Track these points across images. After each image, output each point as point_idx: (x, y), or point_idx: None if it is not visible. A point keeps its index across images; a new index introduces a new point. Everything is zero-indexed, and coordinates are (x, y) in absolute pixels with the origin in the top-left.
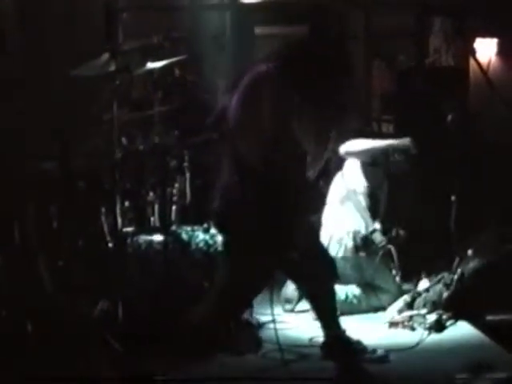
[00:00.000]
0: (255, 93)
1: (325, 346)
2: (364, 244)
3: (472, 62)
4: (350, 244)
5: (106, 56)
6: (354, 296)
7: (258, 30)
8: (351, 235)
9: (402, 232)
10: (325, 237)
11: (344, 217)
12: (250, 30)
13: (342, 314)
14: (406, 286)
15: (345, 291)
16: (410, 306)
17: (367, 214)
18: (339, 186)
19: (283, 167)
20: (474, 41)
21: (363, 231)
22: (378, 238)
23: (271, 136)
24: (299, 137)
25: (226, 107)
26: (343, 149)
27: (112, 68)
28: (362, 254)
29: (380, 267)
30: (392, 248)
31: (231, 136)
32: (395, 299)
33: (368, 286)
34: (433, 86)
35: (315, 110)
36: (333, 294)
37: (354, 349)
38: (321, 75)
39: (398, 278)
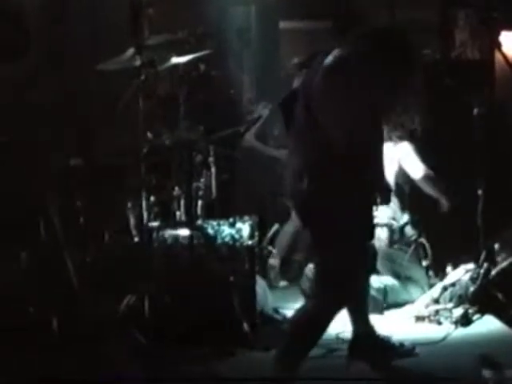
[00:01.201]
0: (345, 76)
1: (353, 343)
2: (398, 237)
3: (498, 55)
4: (385, 236)
5: (131, 51)
6: (392, 286)
7: (282, 25)
8: (385, 228)
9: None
10: None
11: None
12: (274, 25)
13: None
14: (432, 280)
15: (380, 282)
16: (436, 300)
17: (397, 207)
18: None
19: (368, 151)
20: (499, 34)
21: (395, 224)
22: (410, 230)
23: (360, 120)
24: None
25: (297, 90)
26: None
27: (137, 63)
28: (395, 246)
29: (412, 260)
30: (424, 241)
31: (313, 118)
32: (425, 292)
33: (399, 279)
34: (459, 80)
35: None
36: (368, 288)
37: (383, 346)
38: (399, 67)
39: (430, 272)
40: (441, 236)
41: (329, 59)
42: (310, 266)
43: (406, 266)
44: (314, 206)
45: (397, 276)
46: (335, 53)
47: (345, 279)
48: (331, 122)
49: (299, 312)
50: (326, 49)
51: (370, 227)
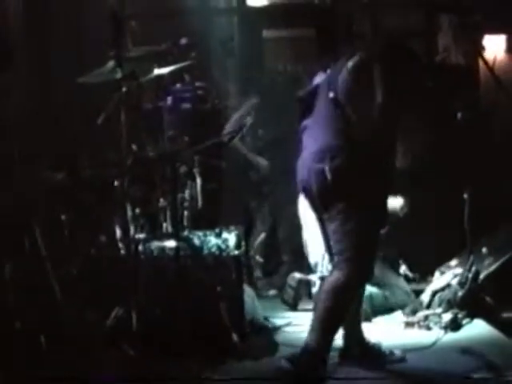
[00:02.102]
0: (368, 73)
1: (344, 350)
2: None
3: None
4: None
5: (111, 63)
6: (377, 293)
7: (265, 34)
8: None
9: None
10: None
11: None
12: (258, 34)
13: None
14: (420, 286)
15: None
16: (425, 305)
17: None
18: None
19: (389, 141)
20: (482, 38)
21: None
22: None
23: (383, 111)
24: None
25: (319, 86)
26: None
27: (118, 75)
28: None
29: (385, 267)
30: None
31: (341, 109)
32: (410, 296)
33: (379, 286)
34: (442, 84)
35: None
36: (362, 296)
37: (374, 353)
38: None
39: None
40: (427, 241)
41: (354, 61)
42: (293, 275)
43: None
44: (334, 181)
45: (375, 284)
46: (359, 56)
47: (367, 253)
48: (357, 111)
49: (328, 283)
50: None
51: (384, 213)
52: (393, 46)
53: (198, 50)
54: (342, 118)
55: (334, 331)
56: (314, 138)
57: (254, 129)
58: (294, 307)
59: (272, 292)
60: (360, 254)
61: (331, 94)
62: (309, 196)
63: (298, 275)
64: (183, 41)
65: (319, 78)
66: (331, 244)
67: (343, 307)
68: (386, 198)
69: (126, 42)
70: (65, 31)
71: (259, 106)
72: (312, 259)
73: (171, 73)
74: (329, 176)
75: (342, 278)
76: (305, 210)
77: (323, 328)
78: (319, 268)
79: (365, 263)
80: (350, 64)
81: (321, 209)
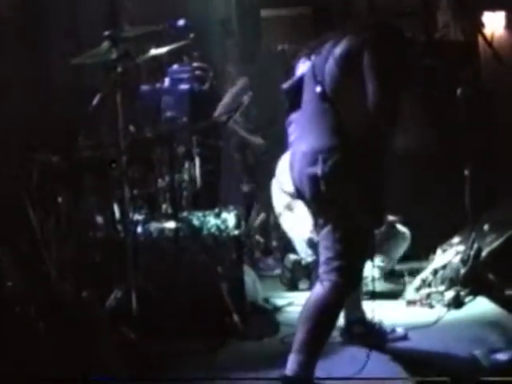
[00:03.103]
0: (359, 63)
1: (346, 328)
2: None
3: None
4: None
5: (106, 44)
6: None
7: (263, 13)
8: None
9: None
10: None
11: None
12: (256, 13)
13: None
14: (422, 264)
15: None
16: (427, 283)
17: None
18: None
19: (384, 136)
20: (480, 14)
21: None
22: None
23: (377, 104)
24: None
25: (304, 77)
26: None
27: (113, 55)
28: None
29: None
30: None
31: (330, 104)
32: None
33: None
34: (442, 61)
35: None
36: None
37: (375, 331)
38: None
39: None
40: (428, 219)
41: (341, 48)
42: (288, 256)
43: None
44: (327, 188)
45: None
46: (346, 42)
47: (356, 263)
48: (349, 106)
49: (311, 300)
50: (328, 36)
51: (382, 212)
52: (383, 28)
53: (196, 31)
54: (332, 114)
55: (321, 349)
56: (302, 135)
57: (249, 109)
58: (292, 288)
59: (276, 272)
60: (349, 264)
61: (318, 88)
62: (302, 198)
63: (293, 257)
64: (181, 22)
65: (303, 67)
66: (319, 250)
67: (329, 326)
68: (383, 199)
69: (122, 22)
70: (60, 11)
71: (256, 86)
72: (297, 244)
73: (169, 53)
74: (322, 182)
75: (327, 294)
76: (278, 196)
77: (308, 352)
78: (303, 253)
79: (353, 274)
80: (337, 51)
81: (315, 212)
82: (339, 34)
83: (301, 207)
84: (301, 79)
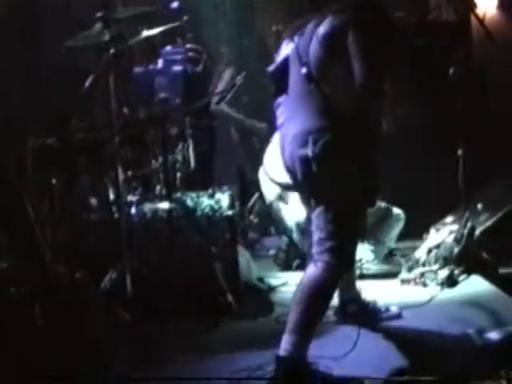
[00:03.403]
0: (343, 43)
1: (340, 308)
2: None
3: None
4: None
5: (99, 25)
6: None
7: None
8: None
9: None
10: None
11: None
12: None
13: None
14: (416, 243)
15: None
16: (421, 262)
17: None
18: None
19: (372, 114)
20: None
21: None
22: None
23: (364, 83)
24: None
25: (289, 58)
26: None
27: (106, 37)
28: None
29: None
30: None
31: (316, 85)
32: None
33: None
34: (433, 41)
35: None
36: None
37: (369, 310)
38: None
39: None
40: (422, 198)
41: (324, 28)
42: (283, 237)
43: None
44: (319, 169)
45: None
46: (329, 21)
47: (349, 243)
48: (336, 86)
49: (305, 280)
50: (310, 16)
51: (374, 192)
52: (367, 7)
53: (190, 13)
54: (319, 94)
55: (315, 329)
56: (291, 118)
57: (242, 91)
58: (286, 268)
59: (271, 252)
60: (342, 245)
61: (303, 70)
62: (294, 180)
63: (287, 237)
64: (174, 4)
65: (286, 49)
66: (312, 230)
67: (322, 306)
68: (375, 178)
69: (116, 3)
70: None
71: (249, 69)
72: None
73: (163, 35)
74: (313, 163)
75: (321, 274)
76: (268, 186)
77: (302, 332)
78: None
79: (346, 254)
80: (321, 31)
81: (307, 193)
82: (321, 13)
83: (292, 197)
84: (285, 61)
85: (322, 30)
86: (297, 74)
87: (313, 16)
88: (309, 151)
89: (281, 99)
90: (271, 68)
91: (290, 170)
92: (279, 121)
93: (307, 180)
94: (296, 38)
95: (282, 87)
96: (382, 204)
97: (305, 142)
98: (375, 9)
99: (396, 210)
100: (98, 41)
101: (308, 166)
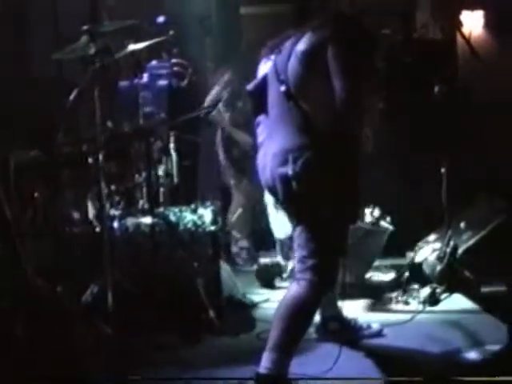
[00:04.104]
0: (323, 60)
1: (321, 325)
2: None
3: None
4: None
5: (85, 38)
6: None
7: (243, 10)
8: None
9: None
10: None
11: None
12: (235, 11)
13: None
14: (399, 261)
15: None
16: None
17: None
18: None
19: (354, 131)
20: (459, 14)
21: None
22: None
23: (345, 100)
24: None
25: (268, 76)
26: None
27: (92, 50)
28: None
29: None
30: None
31: (295, 103)
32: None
33: None
34: (419, 59)
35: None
36: None
37: (351, 328)
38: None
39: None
40: (404, 217)
41: (304, 45)
42: (266, 253)
43: None
44: (299, 187)
45: None
46: (309, 38)
47: (331, 261)
48: (315, 104)
49: (287, 298)
50: (288, 34)
51: (355, 209)
52: (344, 23)
53: (176, 28)
54: (298, 112)
55: (296, 347)
56: (271, 136)
57: (233, 102)
58: (267, 286)
59: (253, 267)
60: (324, 263)
61: (282, 87)
62: (275, 198)
63: (269, 254)
64: (160, 18)
65: (265, 67)
66: (294, 247)
67: (304, 325)
68: (356, 195)
69: (102, 17)
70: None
71: (238, 81)
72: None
73: (149, 50)
74: (294, 181)
75: (303, 292)
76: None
77: (283, 350)
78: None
79: (329, 272)
80: (300, 48)
81: (288, 211)
82: (300, 30)
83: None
84: (264, 79)
85: (302, 46)
86: (275, 91)
87: (291, 33)
88: (289, 170)
89: (261, 117)
90: (250, 86)
91: (271, 189)
92: (259, 139)
93: (288, 198)
94: (273, 57)
95: (261, 105)
96: (364, 222)
97: (285, 160)
98: (354, 25)
99: (384, 225)
100: (84, 54)
101: (288, 184)
